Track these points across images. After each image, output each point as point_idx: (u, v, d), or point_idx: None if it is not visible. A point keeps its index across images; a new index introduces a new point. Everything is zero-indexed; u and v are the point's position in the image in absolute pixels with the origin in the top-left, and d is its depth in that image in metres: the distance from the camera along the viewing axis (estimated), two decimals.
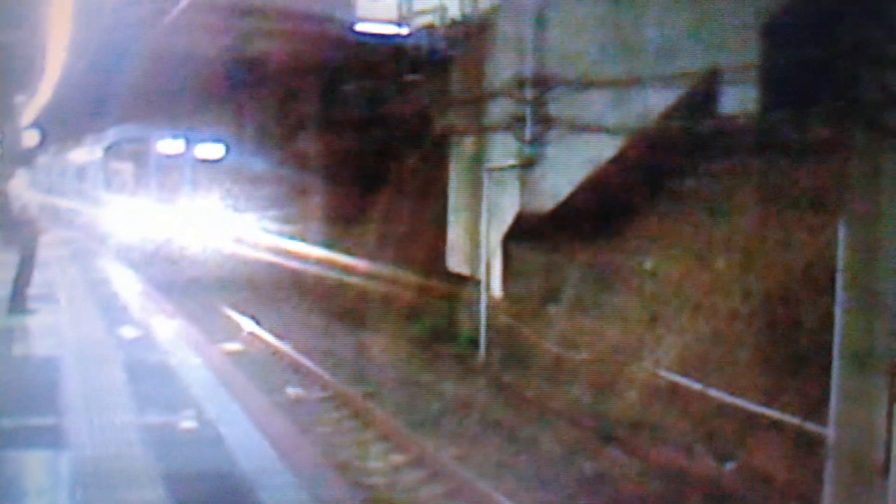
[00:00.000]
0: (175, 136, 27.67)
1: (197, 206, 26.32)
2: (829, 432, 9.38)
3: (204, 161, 27.02)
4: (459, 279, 18.13)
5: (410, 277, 19.55)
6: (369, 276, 20.71)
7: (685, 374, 12.04)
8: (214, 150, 26.83)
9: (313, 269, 22.71)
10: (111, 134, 31.33)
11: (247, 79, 22.10)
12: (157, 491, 6.85)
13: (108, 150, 31.71)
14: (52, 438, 8.16)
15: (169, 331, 14.28)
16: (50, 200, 44.74)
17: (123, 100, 26.06)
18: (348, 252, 21.89)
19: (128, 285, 20.10)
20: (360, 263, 21.21)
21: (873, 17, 9.00)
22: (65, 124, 37.77)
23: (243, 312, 21.38)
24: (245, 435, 8.49)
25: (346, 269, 21.55)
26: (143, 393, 9.91)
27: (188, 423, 8.75)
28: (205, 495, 6.95)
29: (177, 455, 7.75)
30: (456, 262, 18.31)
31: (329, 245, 22.71)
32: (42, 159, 46.52)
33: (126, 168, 32.37)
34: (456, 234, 18.37)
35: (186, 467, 7.47)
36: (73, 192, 40.29)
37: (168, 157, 28.00)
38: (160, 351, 12.42)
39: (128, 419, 8.81)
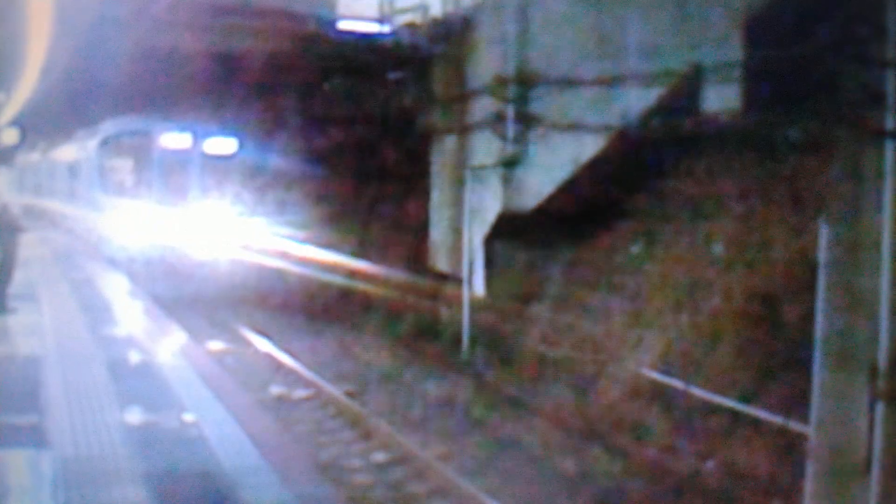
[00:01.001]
0: (181, 129, 24.59)
1: (206, 207, 23.61)
2: (811, 431, 9.40)
3: (214, 157, 24.46)
4: (444, 278, 18.12)
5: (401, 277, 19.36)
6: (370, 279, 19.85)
7: (667, 373, 12.04)
8: (226, 145, 24.51)
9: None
10: (106, 127, 27.22)
11: (230, 75, 21.75)
12: None
13: (102, 144, 27.15)
14: None
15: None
16: (38, 202, 42.18)
17: (119, 89, 24.77)
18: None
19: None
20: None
21: (855, 16, 9.01)
22: (52, 119, 36.11)
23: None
24: None
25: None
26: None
27: None
28: None
29: None
30: (439, 260, 18.29)
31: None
32: (29, 158, 44.72)
33: (124, 165, 27.75)
34: (439, 233, 18.34)
35: None
36: (64, 193, 34.81)
37: (173, 152, 24.67)
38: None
39: None
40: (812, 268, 9.61)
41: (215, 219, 23.21)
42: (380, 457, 11.88)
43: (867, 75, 9.04)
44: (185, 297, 21.02)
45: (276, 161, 23.44)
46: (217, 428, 8.48)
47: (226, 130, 24.39)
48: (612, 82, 12.97)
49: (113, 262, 23.19)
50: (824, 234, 9.44)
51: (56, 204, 37.23)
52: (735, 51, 10.91)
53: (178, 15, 17.83)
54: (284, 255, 21.61)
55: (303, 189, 23.09)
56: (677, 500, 10.44)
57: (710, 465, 10.82)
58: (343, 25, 19.33)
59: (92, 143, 27.87)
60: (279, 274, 21.71)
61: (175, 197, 23.64)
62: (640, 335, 12.98)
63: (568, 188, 14.51)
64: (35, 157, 44.17)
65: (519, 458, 11.90)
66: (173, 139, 24.53)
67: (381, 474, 11.39)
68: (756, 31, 10.25)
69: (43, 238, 28.77)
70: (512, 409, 13.68)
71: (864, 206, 9.13)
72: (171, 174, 24.20)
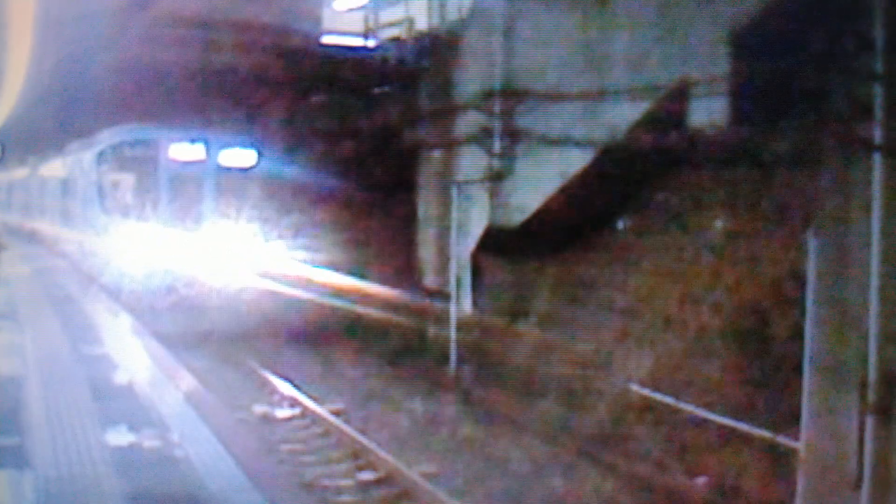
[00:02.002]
0: (192, 139, 21.53)
1: (220, 229, 20.72)
2: (801, 445, 9.35)
3: (229, 170, 21.60)
4: (432, 294, 18.03)
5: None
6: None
7: (657, 389, 11.97)
8: (244, 157, 21.54)
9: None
10: (105, 137, 23.85)
11: (213, 90, 21.44)
12: None
13: (100, 157, 23.68)
14: None
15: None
16: (25, 222, 38.89)
17: (118, 96, 22.74)
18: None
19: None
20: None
21: (842, 30, 9.00)
22: (37, 134, 34.45)
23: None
24: None
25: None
26: None
27: None
28: None
29: None
30: (427, 276, 18.20)
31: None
32: (15, 174, 41.80)
33: (125, 180, 23.92)
34: (426, 249, 18.25)
35: None
36: (56, 213, 30.76)
37: (183, 165, 21.66)
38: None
39: None
40: (801, 281, 9.57)
41: (229, 242, 20.35)
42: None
43: (854, 88, 9.02)
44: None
45: (295, 174, 21.05)
46: None
47: (243, 140, 21.65)
48: (599, 96, 12.93)
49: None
50: (813, 247, 9.41)
51: (46, 224, 33.46)
52: (722, 64, 10.88)
53: (161, 30, 17.76)
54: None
55: (315, 205, 21.07)
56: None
57: (700, 481, 10.76)
58: (328, 40, 19.31)
59: (88, 156, 24.63)
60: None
61: (185, 217, 20.83)
62: (628, 350, 12.92)
63: (555, 203, 14.44)
64: (23, 172, 40.61)
65: (507, 476, 11.81)
66: (183, 150, 21.60)
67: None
68: (744, 45, 10.22)
69: (29, 258, 27.14)
70: (500, 426, 13.59)
71: (852, 219, 9.11)
72: (180, 191, 21.40)
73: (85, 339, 14.19)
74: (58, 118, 30.43)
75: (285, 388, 15.97)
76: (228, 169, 21.37)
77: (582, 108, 13.41)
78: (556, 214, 14.47)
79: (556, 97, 13.80)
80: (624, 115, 12.60)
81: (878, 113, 8.67)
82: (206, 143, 21.35)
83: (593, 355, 13.49)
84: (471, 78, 16.34)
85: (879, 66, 8.70)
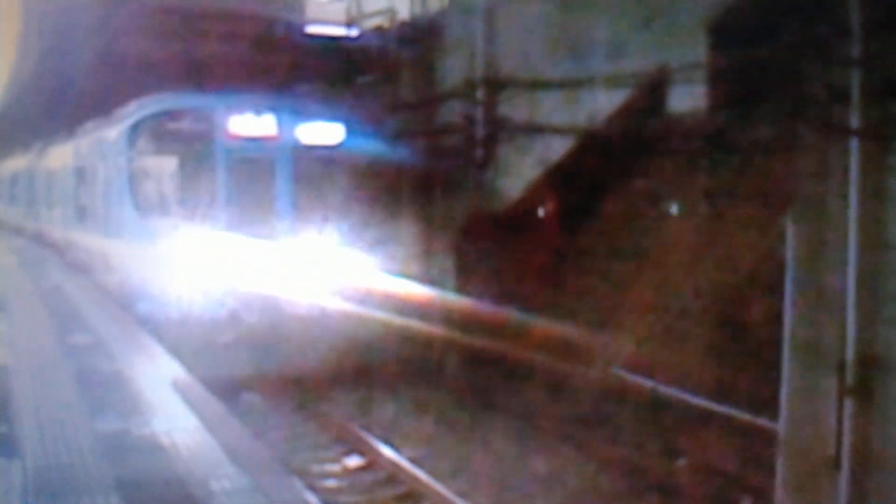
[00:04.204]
0: (259, 108, 16.04)
1: (301, 231, 15.54)
2: (780, 427, 9.45)
3: (311, 150, 16.21)
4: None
5: None
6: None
7: (637, 373, 12.07)
8: (328, 132, 16.43)
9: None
10: (139, 107, 17.00)
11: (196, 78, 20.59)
12: None
13: (132, 134, 16.32)
14: None
15: None
16: (30, 222, 30.65)
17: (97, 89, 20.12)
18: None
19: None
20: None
21: (819, 16, 9.07)
22: (48, 111, 29.56)
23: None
24: None
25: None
26: None
27: None
28: None
29: None
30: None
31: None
32: (17, 163, 33.67)
33: (164, 166, 16.41)
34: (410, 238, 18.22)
35: None
36: (68, 211, 22.98)
37: (247, 143, 15.83)
38: None
39: None
40: (780, 266, 9.66)
41: (311, 250, 15.25)
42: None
43: (832, 74, 9.10)
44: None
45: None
46: None
47: (324, 111, 16.86)
48: (580, 84, 12.98)
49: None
50: (791, 232, 9.50)
51: (55, 227, 25.50)
52: (702, 51, 10.94)
53: (142, 20, 17.68)
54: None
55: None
56: (649, 497, 10.47)
57: (681, 462, 10.86)
58: (311, 30, 19.28)
59: (113, 135, 17.69)
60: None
61: (251, 216, 15.46)
62: (610, 335, 13.00)
63: (537, 190, 14.50)
64: (26, 162, 31.86)
65: (492, 457, 11.90)
66: (247, 123, 16.00)
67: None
68: (722, 32, 10.28)
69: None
70: (482, 411, 13.67)
71: (829, 204, 9.20)
72: (243, 179, 15.82)
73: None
74: (44, 110, 29.33)
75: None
76: (310, 148, 16.29)
77: (563, 95, 13.46)
78: (538, 201, 14.52)
79: (537, 85, 13.87)
80: (604, 101, 12.66)
81: (855, 98, 8.77)
82: (280, 112, 16.22)
83: (575, 340, 13.51)
84: (453, 67, 16.34)
85: (856, 52, 8.78)
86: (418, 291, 15.14)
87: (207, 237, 14.85)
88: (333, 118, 16.40)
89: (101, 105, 20.59)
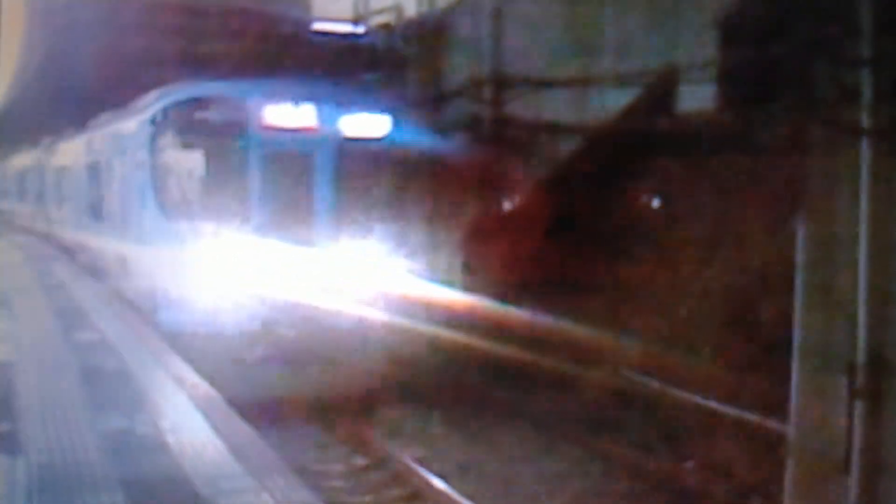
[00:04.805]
0: (297, 97, 14.47)
1: (344, 235, 14.06)
2: (790, 430, 9.40)
3: (355, 144, 14.61)
4: None
5: None
6: None
7: (646, 374, 12.03)
8: (373, 124, 14.91)
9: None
10: (159, 97, 15.41)
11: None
12: None
13: (155, 126, 14.55)
14: None
15: None
16: (39, 223, 29.17)
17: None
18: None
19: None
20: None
21: (829, 16, 9.01)
22: (54, 106, 28.65)
23: None
24: None
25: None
26: None
27: None
28: None
29: None
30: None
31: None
32: (27, 160, 31.56)
33: (191, 162, 14.28)
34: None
35: None
36: (81, 209, 21.20)
37: (284, 137, 14.34)
38: None
39: None
40: (790, 267, 9.61)
41: (355, 256, 13.82)
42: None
43: (843, 74, 9.04)
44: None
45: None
46: None
47: (369, 100, 15.47)
48: (587, 82, 12.94)
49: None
50: (801, 233, 9.44)
51: (66, 227, 23.70)
52: (711, 50, 10.90)
53: (147, 17, 17.65)
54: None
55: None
56: (657, 499, 10.43)
57: (689, 464, 10.82)
58: (318, 27, 19.26)
59: (133, 126, 16.06)
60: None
61: (288, 218, 13.96)
62: (618, 336, 12.94)
63: (544, 189, 14.45)
64: (31, 160, 30.36)
65: (498, 459, 11.87)
66: (284, 113, 14.39)
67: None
68: (732, 31, 10.23)
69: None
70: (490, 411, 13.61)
71: (840, 204, 9.14)
72: (280, 176, 14.28)
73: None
74: (49, 106, 29.20)
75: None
76: (354, 141, 14.69)
77: (571, 94, 13.42)
78: (544, 200, 14.44)
79: (545, 83, 13.82)
80: (612, 100, 12.62)
81: (866, 98, 8.71)
82: (321, 101, 14.63)
83: (582, 341, 13.43)
84: (460, 65, 16.29)
85: (866, 52, 8.72)
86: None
87: (238, 241, 13.56)
88: (380, 109, 15.00)
89: (107, 101, 20.33)
